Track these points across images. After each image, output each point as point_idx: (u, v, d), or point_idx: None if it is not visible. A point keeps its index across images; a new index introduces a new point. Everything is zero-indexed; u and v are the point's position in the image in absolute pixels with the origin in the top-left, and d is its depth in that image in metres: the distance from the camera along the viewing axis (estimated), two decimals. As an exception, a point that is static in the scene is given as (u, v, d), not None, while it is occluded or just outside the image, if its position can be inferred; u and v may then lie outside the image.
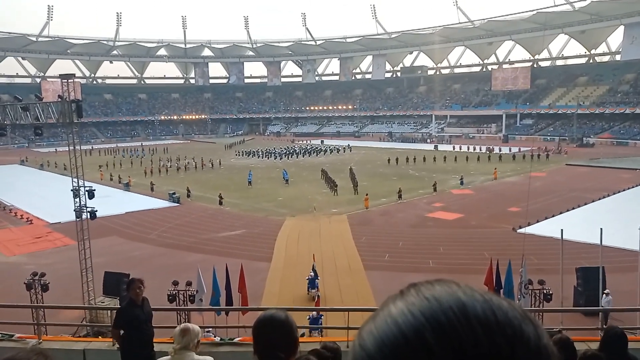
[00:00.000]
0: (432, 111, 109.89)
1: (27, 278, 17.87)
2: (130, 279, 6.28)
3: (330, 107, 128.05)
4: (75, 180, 20.03)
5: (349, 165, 53.69)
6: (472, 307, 0.55)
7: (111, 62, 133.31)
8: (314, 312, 14.80)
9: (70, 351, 6.88)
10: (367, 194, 36.36)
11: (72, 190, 20.31)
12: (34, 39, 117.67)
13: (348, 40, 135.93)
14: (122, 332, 6.05)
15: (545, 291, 16.25)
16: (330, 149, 78.64)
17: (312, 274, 20.04)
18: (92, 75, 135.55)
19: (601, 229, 16.96)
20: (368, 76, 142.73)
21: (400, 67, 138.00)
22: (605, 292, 15.66)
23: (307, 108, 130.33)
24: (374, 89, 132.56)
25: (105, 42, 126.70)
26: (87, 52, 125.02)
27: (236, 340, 7.28)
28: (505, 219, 30.76)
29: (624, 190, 38.75)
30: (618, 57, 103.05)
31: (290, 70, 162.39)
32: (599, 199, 35.77)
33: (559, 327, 10.42)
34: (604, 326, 10.32)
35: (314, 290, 18.92)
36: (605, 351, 4.26)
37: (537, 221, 29.14)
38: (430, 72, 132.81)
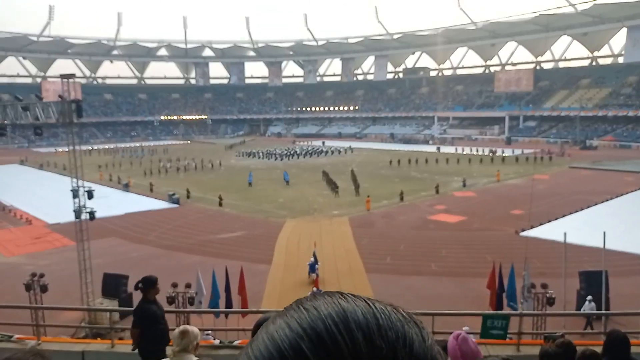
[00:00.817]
0: (435, 112, 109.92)
1: (26, 279, 17.86)
2: (150, 277, 6.31)
3: (332, 108, 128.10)
4: (75, 180, 20.04)
5: (350, 167, 53.68)
6: (352, 313, 0.54)
7: (111, 62, 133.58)
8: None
9: (69, 353, 6.87)
10: (368, 196, 36.35)
11: (71, 190, 20.32)
12: (35, 38, 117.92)
13: (350, 40, 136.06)
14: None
15: (548, 295, 16.21)
16: (331, 150, 78.65)
17: (313, 259, 21.25)
18: (93, 75, 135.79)
19: (604, 232, 16.93)
20: (370, 77, 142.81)
21: (403, 68, 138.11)
22: (588, 298, 15.66)
23: (309, 109, 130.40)
24: (375, 90, 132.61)
25: (105, 42, 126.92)
26: (88, 52, 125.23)
27: (235, 343, 7.26)
28: (508, 221, 30.73)
29: (627, 193, 38.71)
30: (621, 60, 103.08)
31: (291, 70, 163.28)
32: (602, 202, 35.74)
33: (561, 331, 10.40)
34: (590, 330, 10.33)
35: (313, 274, 19.12)
36: (608, 355, 4.25)
37: (540, 224, 29.10)
38: (433, 74, 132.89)
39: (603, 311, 14.15)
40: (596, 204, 35.05)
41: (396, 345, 0.52)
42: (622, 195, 38.17)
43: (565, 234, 17.99)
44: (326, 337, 0.51)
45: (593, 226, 25.78)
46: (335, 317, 0.53)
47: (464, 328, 13.29)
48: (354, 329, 0.52)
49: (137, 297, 16.69)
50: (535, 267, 20.14)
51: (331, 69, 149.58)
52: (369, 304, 0.56)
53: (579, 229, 26.31)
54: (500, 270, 16.33)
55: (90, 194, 21.06)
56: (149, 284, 6.26)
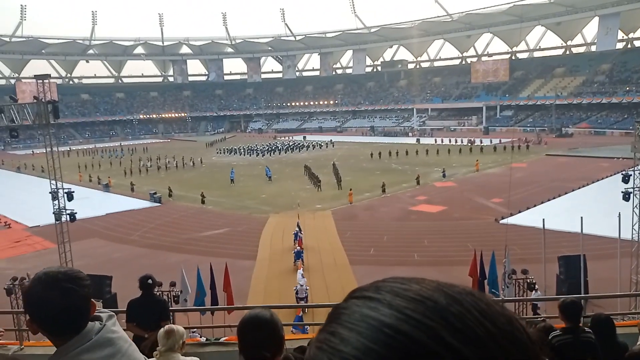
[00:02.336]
0: (413, 105, 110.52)
1: (7, 283, 17.53)
2: (149, 277, 6.30)
3: (312, 103, 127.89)
4: (54, 182, 19.70)
5: (332, 161, 53.72)
6: (469, 303, 0.53)
7: (87, 61, 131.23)
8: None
9: (53, 357, 6.76)
10: (350, 189, 36.45)
11: (50, 192, 19.99)
12: (7, 39, 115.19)
13: (328, 35, 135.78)
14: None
15: (528, 280, 16.49)
16: (312, 145, 78.59)
17: (297, 229, 22.74)
18: (68, 75, 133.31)
19: (582, 217, 17.25)
20: (349, 71, 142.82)
21: (381, 62, 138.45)
22: (535, 288, 15.98)
23: (289, 104, 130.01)
24: (355, 84, 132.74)
25: (80, 41, 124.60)
26: (63, 51, 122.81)
27: (222, 340, 7.23)
28: (488, 210, 31.11)
29: (603, 178, 39.48)
30: (594, 48, 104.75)
31: (270, 66, 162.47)
32: (579, 188, 36.41)
33: (542, 316, 10.58)
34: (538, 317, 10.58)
35: (299, 261, 19.12)
36: (596, 338, 4.35)
37: (519, 211, 29.53)
38: (411, 66, 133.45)
39: (582, 295, 14.44)
40: (573, 190, 35.68)
41: (512, 325, 0.53)
42: (598, 180, 38.92)
43: (543, 220, 18.31)
44: (463, 327, 0.51)
45: (571, 212, 26.25)
46: (464, 306, 0.53)
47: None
48: (481, 318, 0.52)
49: (122, 297, 16.46)
50: (516, 253, 20.44)
51: (310, 63, 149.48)
52: (467, 291, 0.56)
53: (557, 215, 26.77)
54: (482, 258, 16.54)
55: (70, 196, 20.75)
56: (150, 284, 6.32)
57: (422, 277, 0.59)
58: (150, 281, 6.28)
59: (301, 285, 18.47)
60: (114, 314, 1.75)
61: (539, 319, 4.61)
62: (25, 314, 1.61)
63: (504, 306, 0.54)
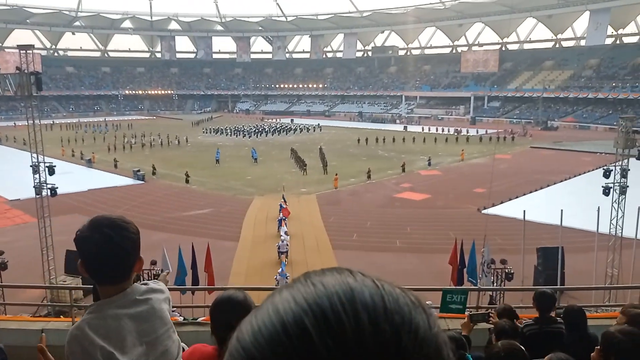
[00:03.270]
0: (402, 92, 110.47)
1: (-16, 256, 17.33)
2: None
3: (301, 86, 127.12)
4: (35, 155, 19.40)
5: (318, 145, 53.63)
6: (360, 293, 0.53)
7: (73, 33, 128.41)
8: (280, 270, 16.60)
9: (28, 331, 6.72)
10: (336, 174, 36.49)
11: (31, 166, 19.69)
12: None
13: (319, 17, 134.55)
14: None
15: (507, 270, 16.75)
16: (300, 128, 78.33)
17: (283, 200, 24.58)
18: (53, 47, 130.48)
19: (562, 210, 17.53)
20: (339, 55, 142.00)
21: (372, 47, 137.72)
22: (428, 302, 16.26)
23: (277, 85, 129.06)
24: (344, 68, 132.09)
25: (67, 12, 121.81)
26: (48, 22, 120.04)
27: (200, 319, 7.25)
28: (471, 199, 31.40)
29: (584, 172, 40.04)
30: (583, 42, 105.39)
31: (260, 46, 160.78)
32: (561, 182, 36.90)
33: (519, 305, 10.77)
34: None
35: (283, 256, 19.42)
36: (567, 329, 4.45)
37: (501, 202, 29.87)
38: (401, 53, 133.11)
39: (558, 286, 14.72)
40: (555, 183, 36.16)
41: (401, 330, 0.51)
42: (579, 174, 39.47)
43: (524, 211, 18.54)
44: (330, 315, 0.51)
45: (551, 204, 26.65)
46: (342, 295, 0.52)
47: (427, 302, 13.66)
48: (359, 309, 0.51)
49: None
50: (496, 243, 20.73)
51: (300, 45, 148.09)
52: (377, 285, 0.55)
53: (538, 207, 27.14)
54: (462, 247, 16.73)
55: (51, 170, 20.46)
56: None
57: (372, 270, 0.58)
58: None
59: (282, 241, 19.90)
60: (166, 290, 1.88)
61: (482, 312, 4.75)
62: (76, 257, 1.71)
63: (407, 312, 0.53)
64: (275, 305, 0.53)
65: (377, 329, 0.50)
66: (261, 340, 0.51)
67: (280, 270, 18.69)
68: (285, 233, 20.84)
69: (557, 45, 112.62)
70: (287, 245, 20.12)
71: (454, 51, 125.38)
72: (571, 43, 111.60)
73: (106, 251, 1.64)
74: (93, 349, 1.62)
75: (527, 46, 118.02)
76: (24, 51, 18.71)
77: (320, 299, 0.52)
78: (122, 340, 1.68)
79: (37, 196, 19.54)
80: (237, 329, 0.55)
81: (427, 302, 0.49)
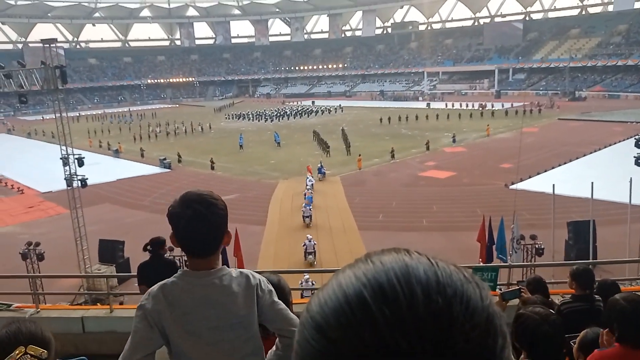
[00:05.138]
0: (424, 68, 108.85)
1: (22, 248, 17.93)
2: (158, 239, 6.28)
3: (320, 67, 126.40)
4: (64, 148, 19.83)
5: (340, 126, 53.46)
6: (415, 269, 0.58)
7: (94, 24, 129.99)
8: (309, 236, 16.94)
9: (69, 319, 6.96)
10: (359, 155, 36.39)
11: (61, 158, 20.15)
12: (13, 2, 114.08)
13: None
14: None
15: (537, 246, 16.55)
16: (321, 110, 78.10)
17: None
18: (75, 39, 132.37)
19: (592, 182, 17.16)
20: (358, 33, 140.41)
21: (391, 23, 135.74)
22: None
23: (297, 68, 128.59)
24: (364, 47, 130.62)
25: (86, 4, 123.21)
26: (69, 15, 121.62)
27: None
28: (498, 175, 31.00)
29: (615, 143, 39.00)
30: (610, 8, 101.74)
31: (278, 29, 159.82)
32: (590, 153, 36.04)
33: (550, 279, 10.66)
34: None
35: (310, 256, 19.35)
36: (603, 300, 4.40)
37: (529, 177, 29.40)
38: (422, 28, 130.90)
39: (590, 260, 14.50)
40: (584, 155, 35.34)
41: (453, 301, 0.55)
42: (610, 145, 38.46)
43: (553, 185, 18.22)
44: (387, 288, 0.55)
45: (581, 177, 26.08)
46: (398, 271, 0.57)
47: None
48: (413, 283, 0.55)
49: (135, 261, 16.74)
50: (525, 219, 20.46)
51: (318, 25, 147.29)
52: (431, 262, 0.60)
53: (568, 180, 26.63)
54: (490, 224, 16.57)
55: (80, 161, 20.91)
56: (157, 246, 6.28)
57: (426, 250, 0.65)
58: (149, 247, 6.29)
59: (309, 241, 19.57)
60: (257, 285, 1.92)
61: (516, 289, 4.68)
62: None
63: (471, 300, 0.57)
64: (339, 281, 0.59)
65: (429, 299, 0.54)
66: (327, 310, 0.56)
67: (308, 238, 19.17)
68: (310, 237, 20.24)
69: (584, 12, 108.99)
70: (315, 245, 19.43)
71: (476, 23, 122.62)
72: (598, 9, 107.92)
73: (196, 226, 1.77)
74: (157, 307, 1.80)
75: (552, 15, 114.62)
76: (48, 45, 19.00)
77: (378, 274, 0.57)
78: (183, 314, 1.80)
79: (69, 188, 20.04)
80: (308, 302, 0.61)
81: None
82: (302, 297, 15.89)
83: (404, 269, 0.57)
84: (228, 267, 1.92)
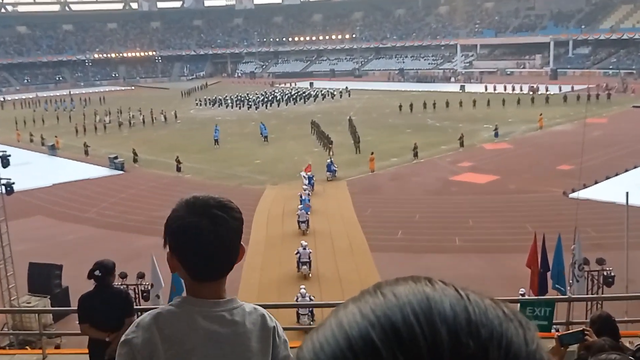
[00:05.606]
0: (457, 40, 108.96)
1: None
2: (106, 262, 6.30)
3: (321, 38, 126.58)
4: (-16, 143, 19.81)
5: (347, 116, 53.44)
6: (438, 303, 0.57)
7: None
8: (302, 288, 16.91)
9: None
10: (372, 153, 36.34)
11: (-21, 156, 20.12)
12: None
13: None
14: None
15: (605, 273, 16.50)
16: (322, 94, 78.10)
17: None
18: (0, 1, 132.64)
19: (678, 190, 17.11)
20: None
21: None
22: (520, 291, 15.85)
23: (290, 39, 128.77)
24: (378, 12, 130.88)
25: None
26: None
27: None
28: (554, 180, 30.96)
29: None
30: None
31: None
32: (676, 152, 36.04)
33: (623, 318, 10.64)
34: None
35: (305, 267, 19.87)
36: None
37: (596, 182, 29.36)
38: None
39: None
40: (668, 154, 35.34)
41: (489, 345, 0.53)
42: (701, 141, 38.49)
43: (627, 193, 18.17)
44: (402, 327, 0.54)
45: (663, 183, 26.05)
46: (417, 306, 0.56)
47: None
48: (437, 321, 0.54)
49: (76, 291, 16.74)
50: (590, 237, 20.41)
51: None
52: (460, 295, 0.58)
53: (646, 187, 26.59)
54: (544, 244, 16.53)
55: (5, 160, 20.86)
56: (105, 271, 6.29)
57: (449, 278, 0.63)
58: (97, 272, 6.28)
59: (304, 248, 20.08)
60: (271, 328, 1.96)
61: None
62: (165, 244, 1.83)
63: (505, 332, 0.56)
64: (339, 319, 0.58)
65: (457, 343, 0.53)
66: (323, 358, 0.55)
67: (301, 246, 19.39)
68: (305, 243, 20.71)
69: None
70: (310, 253, 20.29)
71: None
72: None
73: (216, 238, 1.77)
74: (149, 342, 1.80)
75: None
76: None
77: (390, 310, 0.56)
78: (183, 352, 1.80)
79: (-11, 195, 19.99)
80: (298, 347, 0.60)
81: None
82: (298, 318, 16.00)
83: (425, 304, 0.56)
84: None
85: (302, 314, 17.94)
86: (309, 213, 25.24)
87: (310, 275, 19.90)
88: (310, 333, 0.60)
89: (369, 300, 0.59)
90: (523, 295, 14.90)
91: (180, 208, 1.81)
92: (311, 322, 17.57)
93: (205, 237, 1.75)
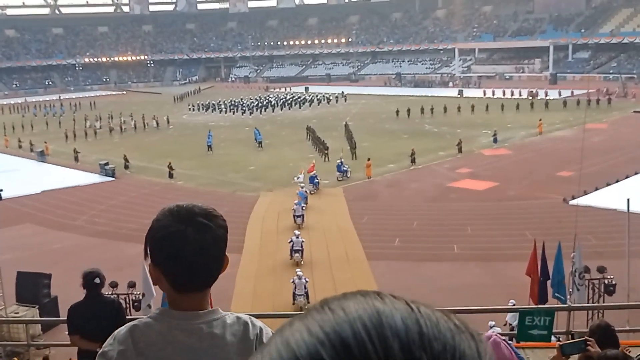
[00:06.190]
0: (455, 44, 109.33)
1: None
2: (96, 273, 6.31)
3: (317, 42, 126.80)
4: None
5: (343, 121, 53.52)
6: (389, 317, 0.56)
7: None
8: (300, 272, 17.41)
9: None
10: (369, 159, 36.38)
11: (-33, 163, 20.12)
12: None
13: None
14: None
15: (606, 281, 16.52)
16: (317, 99, 78.19)
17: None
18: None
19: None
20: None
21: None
22: (511, 302, 15.63)
23: (285, 43, 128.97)
24: (375, 15, 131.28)
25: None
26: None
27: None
28: (554, 186, 31.03)
29: None
30: None
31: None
32: (678, 158, 36.17)
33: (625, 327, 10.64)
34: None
35: (297, 255, 20.71)
36: None
37: (596, 189, 29.43)
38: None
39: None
40: (670, 160, 35.47)
41: (442, 359, 0.54)
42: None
43: (628, 200, 18.20)
44: (353, 343, 0.53)
45: (665, 189, 26.13)
46: (367, 320, 0.55)
47: (490, 325, 13.56)
48: (388, 336, 0.54)
49: (65, 301, 16.71)
50: (590, 245, 20.46)
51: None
52: (411, 308, 0.58)
53: (647, 193, 26.65)
54: (544, 251, 16.55)
55: (-8, 167, 20.87)
56: (102, 280, 6.32)
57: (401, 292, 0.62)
58: (97, 279, 6.30)
59: (297, 237, 20.87)
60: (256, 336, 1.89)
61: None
62: (147, 256, 1.81)
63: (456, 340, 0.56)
64: (286, 338, 0.57)
65: (411, 357, 0.53)
66: None
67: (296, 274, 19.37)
68: (298, 233, 21.24)
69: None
70: (303, 242, 21.14)
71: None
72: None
73: (201, 247, 1.73)
74: (124, 356, 1.77)
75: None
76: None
77: (339, 326, 0.55)
78: None
79: (-23, 202, 19.97)
80: None
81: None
82: (294, 299, 15.94)
83: (376, 318, 0.55)
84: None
85: (298, 295, 18.23)
86: (304, 207, 26.78)
87: (307, 306, 19.70)
88: (255, 353, 0.59)
89: (317, 316, 0.58)
90: (513, 306, 14.85)
91: (164, 217, 1.79)
92: (307, 304, 17.78)
93: (191, 246, 1.72)
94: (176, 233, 1.73)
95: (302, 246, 21.78)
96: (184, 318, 1.79)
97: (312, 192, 31.87)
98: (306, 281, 19.41)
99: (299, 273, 19.90)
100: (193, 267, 1.76)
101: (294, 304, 19.26)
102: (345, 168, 34.59)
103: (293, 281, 19.45)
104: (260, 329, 1.89)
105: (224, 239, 1.80)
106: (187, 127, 60.30)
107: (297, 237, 21.57)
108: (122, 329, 1.83)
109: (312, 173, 32.81)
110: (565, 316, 9.11)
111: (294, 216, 26.08)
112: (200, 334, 1.78)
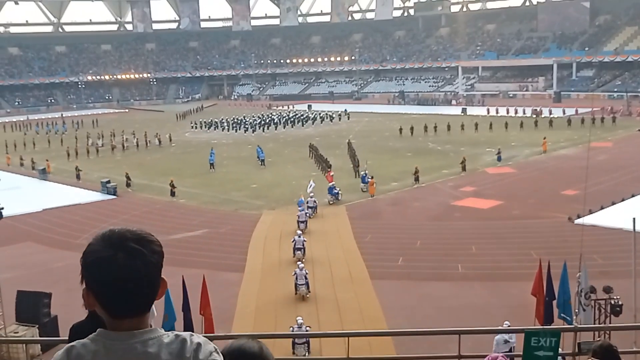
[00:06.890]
0: (458, 62, 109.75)
1: None
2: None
3: (320, 60, 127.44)
4: (-27, 167, 19.86)
5: (346, 139, 53.65)
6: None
7: (17, 3, 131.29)
8: (299, 319, 16.55)
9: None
10: (372, 177, 36.44)
11: (-32, 181, 20.18)
12: None
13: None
14: None
15: (612, 302, 16.43)
16: (320, 117, 78.46)
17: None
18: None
19: (687, 216, 17.12)
20: (370, 16, 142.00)
21: (414, 2, 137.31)
22: (505, 323, 15.47)
23: (288, 61, 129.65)
24: (378, 34, 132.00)
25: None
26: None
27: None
28: (559, 205, 30.98)
29: None
30: None
31: (263, 9, 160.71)
32: (684, 176, 36.11)
33: (632, 348, 10.56)
34: None
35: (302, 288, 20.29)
36: None
37: (602, 208, 29.36)
38: (455, 9, 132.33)
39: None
40: (675, 179, 35.41)
41: None
42: None
43: (634, 220, 18.17)
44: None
45: (671, 208, 26.05)
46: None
47: (505, 325, 13.45)
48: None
49: (65, 321, 16.64)
50: (596, 265, 20.38)
51: (317, 6, 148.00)
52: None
53: (653, 212, 26.59)
54: (549, 271, 16.49)
55: (-6, 185, 20.92)
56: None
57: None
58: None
59: (300, 269, 20.48)
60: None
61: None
62: (82, 281, 1.80)
63: None
64: None
65: None
66: None
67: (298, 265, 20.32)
68: (302, 264, 21.25)
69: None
70: (307, 274, 20.64)
71: (527, 4, 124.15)
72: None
73: (133, 273, 1.72)
74: None
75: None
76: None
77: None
78: None
79: (-23, 220, 19.99)
80: None
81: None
82: (293, 349, 15.86)
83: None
84: (192, 330, 1.88)
85: (298, 344, 17.86)
86: (307, 214, 28.87)
87: (308, 295, 20.47)
88: None
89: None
90: (509, 327, 14.78)
91: (96, 242, 1.76)
92: (307, 353, 17.52)
93: (121, 272, 1.71)
94: (106, 258, 1.71)
95: (303, 245, 23.49)
96: (118, 339, 1.77)
97: (331, 202, 33.66)
98: (306, 272, 20.53)
99: (300, 265, 20.81)
100: (124, 293, 1.74)
101: (296, 293, 20.19)
102: (336, 191, 34.26)
103: (294, 273, 20.41)
104: (199, 344, 1.84)
105: (158, 264, 1.79)
106: (189, 145, 60.50)
107: (300, 237, 22.86)
108: (60, 351, 1.83)
109: (331, 184, 34.20)
110: (572, 337, 9.05)
111: (297, 222, 27.33)
112: (134, 353, 1.76)
